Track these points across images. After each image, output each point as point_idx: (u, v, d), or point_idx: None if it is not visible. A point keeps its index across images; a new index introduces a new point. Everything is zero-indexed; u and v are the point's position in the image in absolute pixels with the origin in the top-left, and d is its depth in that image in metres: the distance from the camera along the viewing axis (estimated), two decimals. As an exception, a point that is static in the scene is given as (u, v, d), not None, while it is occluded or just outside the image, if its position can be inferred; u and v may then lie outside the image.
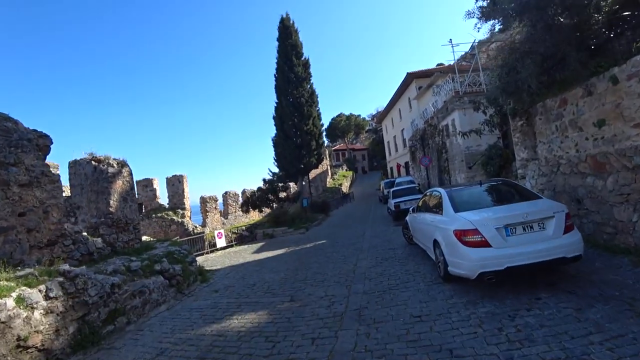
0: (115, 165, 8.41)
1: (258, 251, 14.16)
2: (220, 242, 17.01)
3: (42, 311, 4.42)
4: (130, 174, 8.94)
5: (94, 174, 8.33)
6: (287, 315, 5.30)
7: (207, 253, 16.53)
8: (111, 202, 8.02)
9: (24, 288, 4.45)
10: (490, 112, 11.16)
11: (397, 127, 37.61)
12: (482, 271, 4.48)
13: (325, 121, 71.44)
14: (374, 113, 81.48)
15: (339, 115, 66.79)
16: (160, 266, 7.68)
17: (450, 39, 15.06)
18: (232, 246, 17.67)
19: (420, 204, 7.69)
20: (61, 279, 4.95)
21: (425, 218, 6.68)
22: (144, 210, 22.42)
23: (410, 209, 8.05)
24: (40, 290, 4.56)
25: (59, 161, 16.01)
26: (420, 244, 7.39)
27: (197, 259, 15.70)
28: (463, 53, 16.68)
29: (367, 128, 76.39)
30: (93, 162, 8.39)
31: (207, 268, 11.61)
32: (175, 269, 8.00)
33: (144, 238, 22.69)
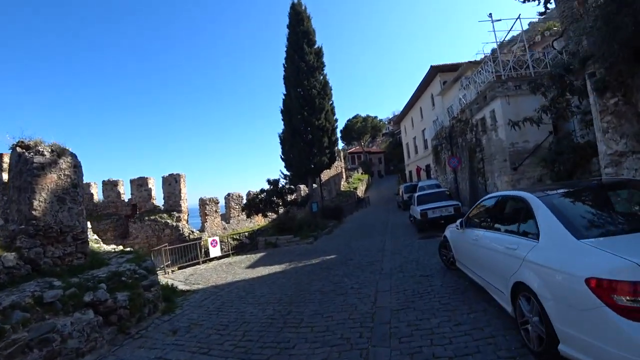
0: (47, 153, 6.21)
1: (254, 265, 11.78)
2: (214, 251, 14.74)
3: None
4: (75, 166, 6.71)
5: (17, 165, 6.13)
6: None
7: (199, 264, 14.26)
8: (35, 202, 5.82)
9: None
10: (552, 94, 8.51)
11: (418, 128, 34.82)
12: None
13: (341, 123, 69.13)
14: (390, 117, 78.61)
15: (355, 117, 64.10)
16: (93, 296, 5.37)
17: (490, 13, 12.43)
18: (228, 256, 15.37)
19: (474, 215, 5.15)
20: None
21: (489, 240, 4.15)
22: (137, 212, 20.43)
23: (457, 223, 5.49)
24: None
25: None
26: (475, 276, 4.83)
27: (186, 270, 13.57)
28: (502, 39, 13.96)
29: (383, 131, 73.50)
30: (18, 149, 6.19)
31: (186, 287, 9.34)
32: (118, 299, 5.67)
33: (135, 245, 20.92)
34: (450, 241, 6.10)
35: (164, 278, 11.90)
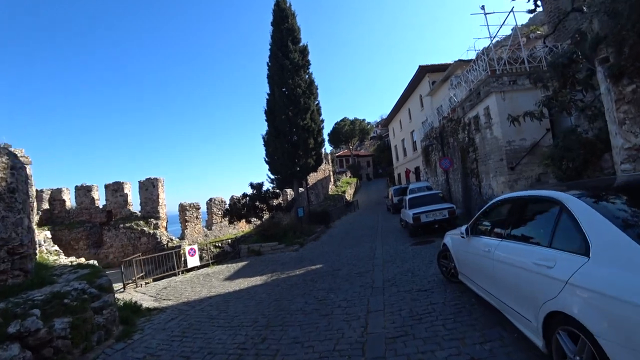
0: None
1: (233, 276, 10.79)
2: (193, 261, 13.67)
3: None
4: (12, 167, 5.68)
5: None
6: None
7: (176, 275, 13.17)
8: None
9: None
10: (555, 86, 7.84)
11: (406, 129, 34.29)
12: None
13: (329, 126, 68.40)
14: (378, 120, 78.34)
15: (342, 120, 63.54)
16: (20, 325, 4.35)
17: (483, 6, 11.82)
18: (208, 265, 14.31)
19: (482, 220, 4.33)
20: None
21: (507, 253, 3.31)
22: (112, 220, 19.17)
23: (462, 230, 4.66)
24: None
25: None
26: (485, 294, 3.99)
27: (160, 283, 12.40)
28: (495, 33, 13.36)
29: (372, 134, 73.12)
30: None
31: (154, 304, 8.32)
32: (56, 327, 4.66)
33: (109, 255, 19.62)
34: (452, 251, 5.27)
35: (134, 292, 10.83)
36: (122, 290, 11.73)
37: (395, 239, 12.32)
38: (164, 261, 13.82)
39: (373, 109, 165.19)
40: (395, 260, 8.63)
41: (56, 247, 11.72)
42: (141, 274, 12.96)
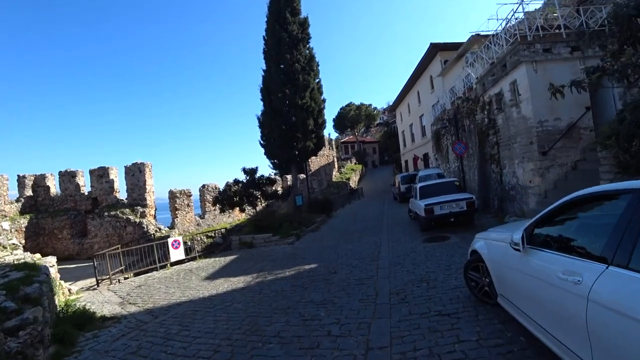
0: None
1: (216, 275, 9.39)
2: (176, 254, 12.31)
3: None
4: None
5: None
6: None
7: (156, 269, 11.86)
8: None
9: None
10: (613, 47, 6.14)
11: (415, 114, 32.41)
12: None
13: (334, 111, 66.47)
14: (385, 107, 75.97)
15: (348, 105, 61.35)
16: None
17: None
18: (195, 258, 12.97)
19: (548, 225, 2.77)
20: None
21: (631, 296, 1.74)
22: (98, 207, 17.87)
23: (513, 238, 3.08)
24: None
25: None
26: (557, 346, 2.43)
27: (135, 280, 10.99)
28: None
29: (378, 120, 70.97)
30: None
31: (115, 311, 6.97)
32: None
33: (94, 245, 18.31)
34: (489, 263, 3.73)
35: (106, 291, 9.52)
36: (95, 287, 10.47)
37: (404, 233, 10.80)
38: (150, 252, 12.49)
39: (380, 96, 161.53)
40: (404, 262, 7.12)
41: (14, 241, 10.39)
42: (120, 268, 11.67)
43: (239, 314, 5.50)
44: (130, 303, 7.67)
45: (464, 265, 4.43)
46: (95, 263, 10.81)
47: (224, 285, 7.87)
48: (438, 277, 5.65)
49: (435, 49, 24.08)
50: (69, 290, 9.23)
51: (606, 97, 9.43)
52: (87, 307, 6.92)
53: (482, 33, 17.35)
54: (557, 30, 9.81)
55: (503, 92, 10.83)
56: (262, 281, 7.57)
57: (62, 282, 9.02)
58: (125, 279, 11.28)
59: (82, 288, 10.68)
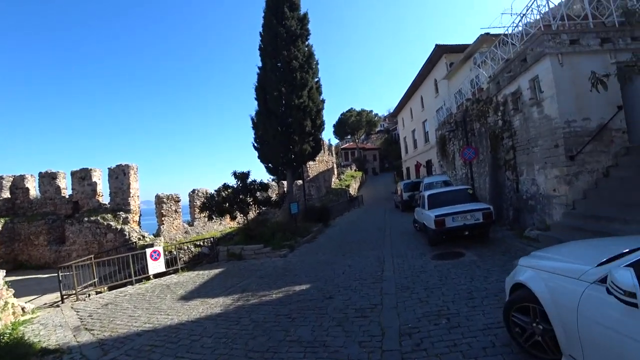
0: None
1: (192, 295, 8.13)
2: (155, 266, 11.05)
3: None
4: None
5: None
6: None
7: (132, 284, 10.60)
8: None
9: None
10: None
11: (418, 119, 31.35)
12: None
13: (334, 117, 65.57)
14: (385, 114, 75.11)
15: (349, 111, 60.44)
16: None
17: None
18: (177, 271, 11.71)
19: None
20: None
21: None
22: (79, 212, 16.64)
23: (617, 277, 1.86)
24: None
25: None
26: None
27: (105, 296, 9.63)
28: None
29: (378, 127, 70.03)
30: None
31: (61, 341, 5.72)
32: None
33: (72, 253, 17.06)
34: (551, 307, 2.53)
35: (68, 310, 8.25)
36: (59, 304, 9.20)
37: (409, 247, 9.58)
38: (124, 266, 11.20)
39: (380, 103, 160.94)
40: (413, 285, 5.89)
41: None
42: (92, 281, 10.40)
43: (205, 355, 4.27)
44: (86, 329, 6.42)
45: (505, 305, 3.21)
46: (61, 276, 9.53)
47: (198, 308, 6.63)
48: (460, 310, 4.43)
49: (440, 51, 23.07)
50: (23, 309, 7.97)
51: (637, 94, 8.32)
52: (27, 336, 5.69)
53: (491, 32, 16.39)
54: (584, 21, 8.71)
55: (521, 90, 9.71)
56: (242, 305, 6.33)
57: (14, 299, 7.77)
58: (97, 293, 10.03)
59: (46, 304, 9.42)
